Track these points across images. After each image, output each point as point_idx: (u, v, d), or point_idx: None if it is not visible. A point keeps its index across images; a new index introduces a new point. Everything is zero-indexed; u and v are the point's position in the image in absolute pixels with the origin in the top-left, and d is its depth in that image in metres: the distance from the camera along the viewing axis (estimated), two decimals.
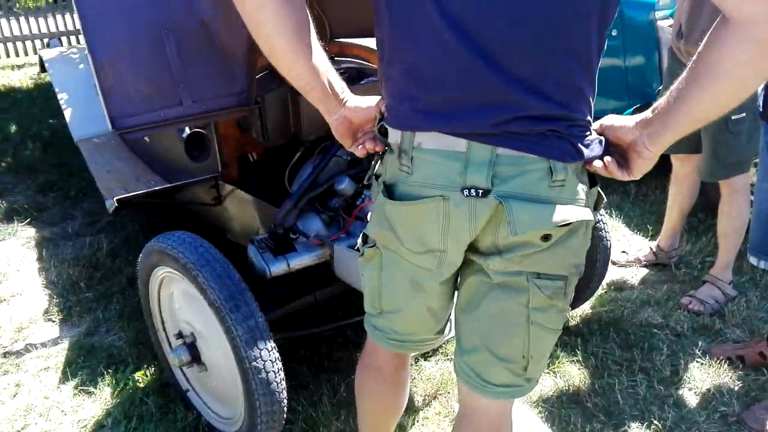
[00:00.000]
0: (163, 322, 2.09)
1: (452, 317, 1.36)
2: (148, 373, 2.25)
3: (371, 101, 1.23)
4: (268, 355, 1.66)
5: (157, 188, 2.34)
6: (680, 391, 2.16)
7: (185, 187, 2.54)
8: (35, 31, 8.67)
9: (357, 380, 1.55)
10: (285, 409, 1.73)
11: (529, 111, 1.03)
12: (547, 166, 1.06)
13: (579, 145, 1.07)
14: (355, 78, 2.31)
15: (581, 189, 1.10)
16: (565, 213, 1.07)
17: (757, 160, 2.13)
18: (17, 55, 8.63)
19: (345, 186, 2.11)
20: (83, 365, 2.32)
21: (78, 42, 8.61)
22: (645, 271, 2.93)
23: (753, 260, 2.12)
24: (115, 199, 2.24)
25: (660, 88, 3.09)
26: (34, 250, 3.23)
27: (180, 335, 1.94)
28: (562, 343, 2.38)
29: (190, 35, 1.80)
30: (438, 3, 1.01)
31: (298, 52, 1.12)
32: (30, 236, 3.40)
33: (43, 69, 4.62)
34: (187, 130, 2.21)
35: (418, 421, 2.04)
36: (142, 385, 2.20)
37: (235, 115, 1.92)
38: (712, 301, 2.61)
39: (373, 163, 1.30)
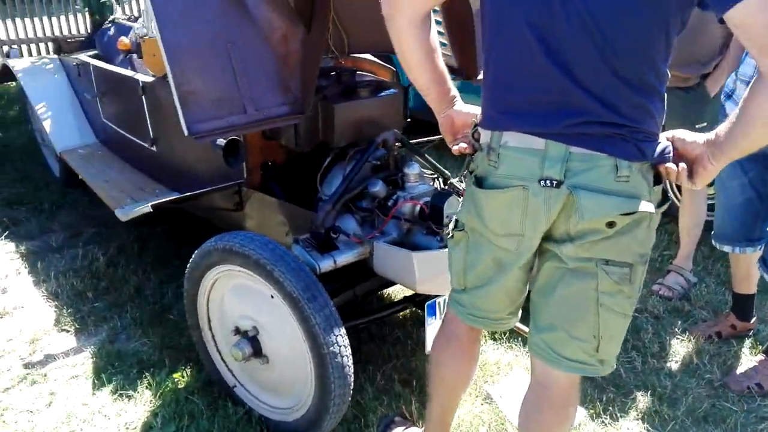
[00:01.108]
0: (209, 322, 2.16)
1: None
2: (186, 374, 2.30)
3: (473, 109, 1.48)
4: (342, 341, 1.80)
5: (188, 194, 2.40)
6: (669, 364, 2.48)
7: (206, 194, 2.60)
8: None
9: (435, 351, 1.73)
10: (351, 392, 1.87)
11: (598, 118, 1.24)
12: (613, 163, 1.25)
13: (643, 148, 1.27)
14: (375, 90, 2.50)
15: (645, 186, 1.30)
16: (628, 204, 1.27)
17: None
18: None
19: (378, 188, 2.28)
20: (115, 371, 2.32)
21: (40, 51, 8.19)
22: None
23: (721, 246, 2.50)
24: (150, 204, 2.29)
25: None
26: (22, 264, 3.14)
27: (237, 331, 2.03)
28: None
29: (250, 48, 1.94)
30: (529, 23, 1.23)
31: (423, 70, 1.41)
32: (11, 250, 3.29)
33: (3, 79, 4.47)
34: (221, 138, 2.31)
35: None
36: (182, 385, 2.25)
37: (290, 123, 2.06)
38: (678, 287, 2.98)
39: (466, 162, 1.51)
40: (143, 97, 2.74)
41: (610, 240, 1.30)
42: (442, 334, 1.70)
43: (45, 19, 8.65)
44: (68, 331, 2.59)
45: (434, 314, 2.19)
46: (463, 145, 1.48)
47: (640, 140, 1.27)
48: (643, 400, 2.27)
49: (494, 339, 2.56)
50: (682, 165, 1.30)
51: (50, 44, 8.28)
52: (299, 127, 2.31)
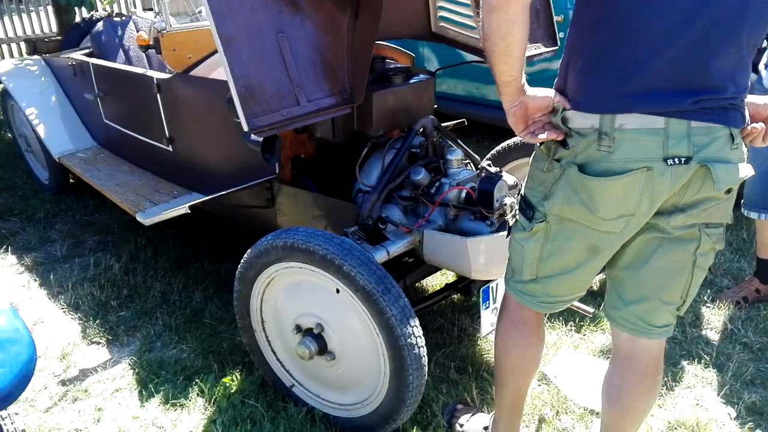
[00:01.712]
0: (263, 322, 2.10)
1: None
2: (236, 377, 2.23)
3: (547, 92, 1.41)
4: (418, 332, 1.77)
5: (223, 192, 2.32)
6: (706, 332, 2.55)
7: (239, 191, 2.52)
8: None
9: (501, 336, 1.71)
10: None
11: (724, 94, 1.26)
12: (729, 132, 1.29)
13: (744, 113, 1.33)
14: (405, 77, 2.45)
15: (744, 149, 1.35)
16: (744, 170, 1.32)
17: None
18: None
19: (422, 176, 2.24)
20: (160, 380, 2.24)
21: (13, 54, 7.80)
22: None
23: (749, 213, 2.58)
24: (188, 205, 2.20)
25: None
26: (30, 277, 2.99)
27: (299, 329, 1.98)
28: None
29: (298, 37, 1.87)
30: (657, 5, 1.21)
31: (520, 56, 1.31)
32: (14, 263, 3.13)
33: None
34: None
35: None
36: (234, 389, 2.18)
37: (340, 113, 1.99)
38: None
39: (550, 149, 1.42)
40: (158, 95, 2.63)
41: (720, 205, 1.34)
42: (507, 321, 1.68)
43: (15, 18, 8.32)
44: (99, 343, 2.47)
45: (488, 299, 2.19)
46: (552, 134, 1.37)
47: (743, 107, 1.31)
48: (690, 369, 2.32)
49: None
50: (761, 124, 1.35)
51: (23, 45, 7.99)
52: (336, 117, 2.26)
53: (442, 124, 2.85)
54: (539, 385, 2.23)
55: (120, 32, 3.25)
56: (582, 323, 2.53)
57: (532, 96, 1.41)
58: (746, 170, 1.32)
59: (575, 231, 1.43)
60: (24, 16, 8.44)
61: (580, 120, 1.34)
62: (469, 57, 2.83)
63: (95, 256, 3.12)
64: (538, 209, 1.47)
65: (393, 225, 2.19)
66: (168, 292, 2.79)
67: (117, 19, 3.34)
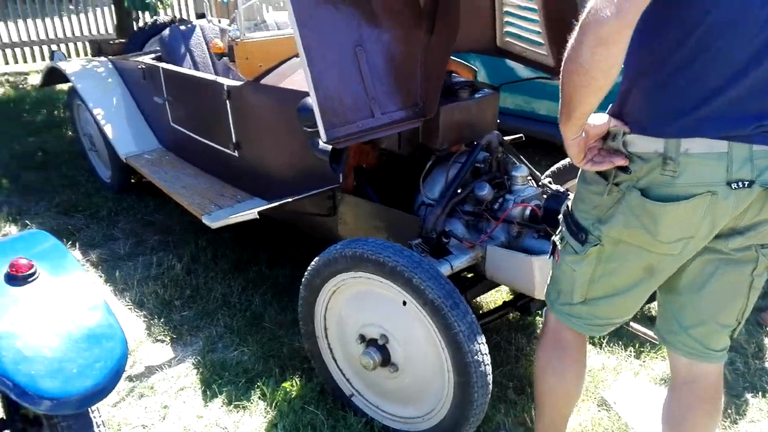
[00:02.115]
0: (326, 330, 2.13)
1: None
2: (296, 383, 2.27)
3: (602, 118, 1.38)
4: (484, 349, 1.77)
5: (288, 200, 2.36)
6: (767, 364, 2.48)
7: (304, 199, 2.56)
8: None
9: (540, 359, 1.71)
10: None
11: None
12: None
13: None
14: (471, 91, 2.46)
15: None
16: None
17: None
18: None
19: (486, 192, 2.24)
20: (223, 381, 2.29)
21: (78, 53, 8.23)
22: None
23: None
24: (257, 211, 2.26)
25: None
26: (96, 273, 3.10)
27: (363, 339, 2.00)
28: None
29: (376, 52, 1.90)
30: (732, 39, 1.20)
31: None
32: (80, 258, 3.25)
33: (45, 83, 4.40)
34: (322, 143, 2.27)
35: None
36: (294, 395, 2.22)
37: (412, 126, 2.02)
38: None
39: (611, 174, 1.40)
40: (227, 101, 2.70)
41: None
42: (547, 344, 1.68)
43: (74, 18, 8.71)
44: (164, 341, 2.55)
45: None
46: (619, 160, 1.35)
47: None
48: (754, 402, 2.26)
49: (593, 344, 2.54)
50: None
51: (87, 45, 8.39)
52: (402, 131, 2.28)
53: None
54: (599, 411, 2.20)
55: (187, 38, 3.35)
56: (642, 349, 2.49)
57: (591, 124, 1.38)
58: None
59: (632, 252, 1.43)
60: (81, 16, 8.78)
61: (643, 144, 1.32)
62: (526, 73, 2.81)
63: (157, 256, 3.21)
64: (593, 233, 1.46)
65: (456, 239, 2.20)
66: (228, 294, 2.85)
67: (183, 27, 3.44)
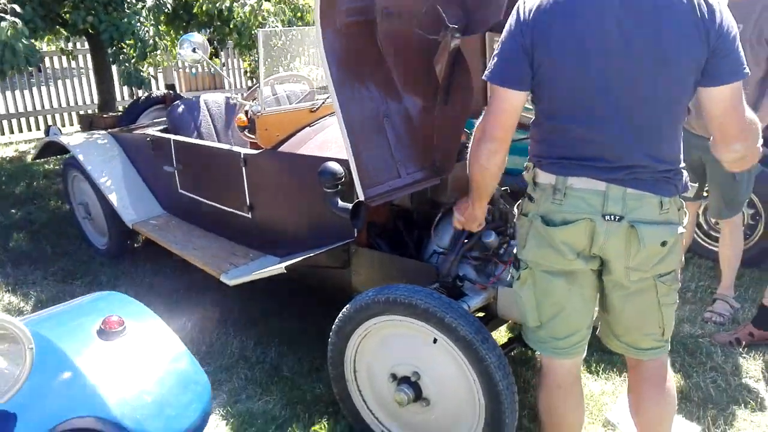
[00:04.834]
0: (355, 372, 2.30)
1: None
2: (325, 426, 2.41)
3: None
4: (512, 378, 1.99)
5: (311, 254, 2.56)
6: (745, 380, 2.77)
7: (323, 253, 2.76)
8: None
9: (542, 401, 1.95)
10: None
11: (652, 169, 1.63)
12: (659, 200, 1.64)
13: (678, 184, 1.68)
14: None
15: (677, 212, 1.69)
16: (671, 230, 1.66)
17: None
18: None
19: (492, 239, 2.51)
20: (256, 430, 2.40)
21: (65, 124, 8.26)
22: None
23: None
24: (284, 265, 2.44)
25: None
26: None
27: (394, 377, 2.18)
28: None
29: (399, 121, 2.19)
30: (604, 95, 1.58)
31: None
32: None
33: (40, 156, 4.52)
34: (340, 200, 2.50)
35: None
36: None
37: (431, 184, 2.29)
38: (727, 312, 3.32)
39: (519, 207, 1.85)
40: (243, 167, 2.92)
41: (665, 258, 1.69)
42: (545, 384, 1.92)
43: (52, 88, 8.81)
44: None
45: None
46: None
47: (677, 179, 1.67)
48: (740, 413, 2.53)
49: (590, 372, 2.78)
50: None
51: (65, 116, 8.52)
52: None
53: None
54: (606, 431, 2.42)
55: (193, 111, 3.58)
56: None
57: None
58: (673, 230, 1.66)
59: (550, 272, 1.76)
60: (59, 84, 8.90)
61: (543, 177, 1.73)
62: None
63: (165, 317, 3.30)
64: (521, 258, 1.82)
65: (470, 282, 2.44)
66: (243, 349, 2.98)
67: (188, 101, 3.68)
